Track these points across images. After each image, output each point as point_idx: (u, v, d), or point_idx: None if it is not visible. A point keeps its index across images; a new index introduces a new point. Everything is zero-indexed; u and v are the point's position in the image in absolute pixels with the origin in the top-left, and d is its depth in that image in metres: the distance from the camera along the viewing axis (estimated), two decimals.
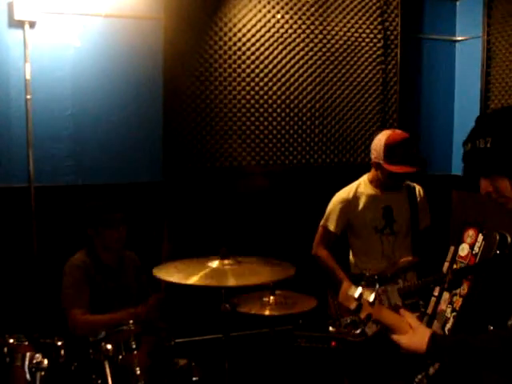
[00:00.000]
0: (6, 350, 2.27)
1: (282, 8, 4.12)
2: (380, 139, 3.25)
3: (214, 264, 2.73)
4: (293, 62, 4.18)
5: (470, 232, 3.42)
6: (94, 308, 3.02)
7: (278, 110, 4.18)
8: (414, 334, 1.75)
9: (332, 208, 3.42)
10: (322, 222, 3.45)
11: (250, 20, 4.04)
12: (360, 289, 1.76)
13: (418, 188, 3.48)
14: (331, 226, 3.40)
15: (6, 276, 3.61)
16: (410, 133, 4.56)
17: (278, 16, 4.11)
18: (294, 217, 4.22)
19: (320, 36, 4.23)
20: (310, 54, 4.23)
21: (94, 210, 3.14)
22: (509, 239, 3.09)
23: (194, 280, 2.56)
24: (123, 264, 3.22)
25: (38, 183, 3.66)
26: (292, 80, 4.20)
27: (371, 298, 1.75)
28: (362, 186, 3.41)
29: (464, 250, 3.34)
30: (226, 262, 2.76)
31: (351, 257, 3.49)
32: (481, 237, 3.31)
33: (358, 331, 1.81)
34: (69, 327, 2.96)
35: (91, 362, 2.43)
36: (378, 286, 1.71)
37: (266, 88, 4.13)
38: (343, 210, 3.38)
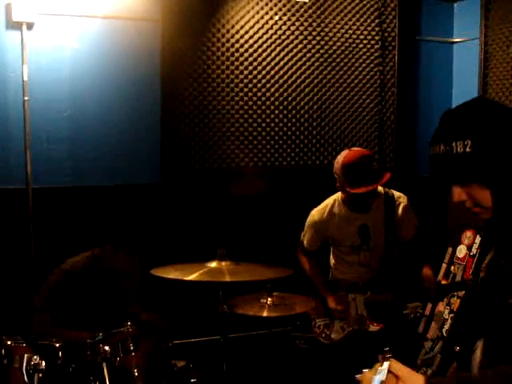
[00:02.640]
0: (3, 351, 2.28)
1: (280, 9, 4.12)
2: (338, 162, 3.19)
3: (212, 264, 2.76)
4: (291, 63, 4.19)
5: (468, 233, 3.42)
6: (91, 313, 2.98)
7: (276, 112, 4.18)
8: None
9: (307, 228, 3.43)
10: (301, 236, 3.48)
11: (248, 21, 4.04)
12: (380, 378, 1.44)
13: (398, 198, 3.36)
14: (306, 244, 3.45)
15: (4, 277, 3.61)
16: (408, 134, 4.62)
17: (276, 17, 4.11)
18: (291, 218, 4.21)
19: (318, 38, 4.24)
20: (308, 55, 4.23)
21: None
22: None
23: (191, 277, 2.59)
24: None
25: (36, 185, 3.66)
26: (290, 81, 4.20)
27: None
28: (336, 207, 3.36)
29: (462, 251, 3.35)
30: (224, 263, 2.78)
31: (331, 261, 3.52)
32: (479, 238, 3.31)
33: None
34: (31, 327, 2.85)
35: (89, 364, 2.43)
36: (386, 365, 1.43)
37: (263, 89, 4.13)
38: (317, 232, 3.39)
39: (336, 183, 3.24)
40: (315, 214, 3.40)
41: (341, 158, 3.17)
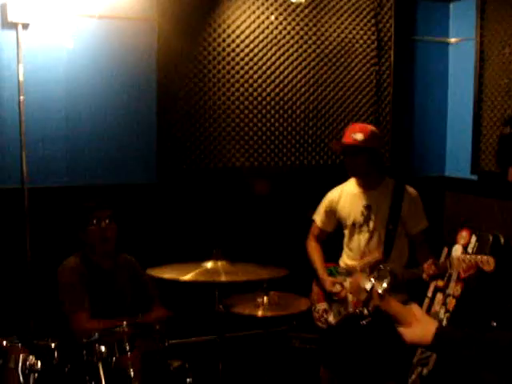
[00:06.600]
0: None
1: (276, 9, 4.12)
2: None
3: (208, 264, 2.76)
4: (287, 63, 4.19)
5: (464, 233, 3.43)
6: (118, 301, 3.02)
7: (272, 111, 4.19)
8: (419, 325, 1.68)
9: (321, 204, 3.66)
10: (313, 216, 3.70)
11: (244, 21, 4.04)
12: (372, 281, 1.76)
13: (408, 190, 3.49)
14: (318, 221, 3.66)
15: None
16: (404, 134, 4.63)
17: (272, 17, 4.11)
18: (287, 218, 4.22)
19: (314, 38, 4.24)
20: (304, 55, 4.23)
21: (82, 211, 3.13)
22: (502, 240, 3.11)
23: (187, 277, 2.59)
24: (117, 267, 3.20)
25: (32, 185, 3.65)
26: (286, 81, 4.20)
27: (381, 289, 1.75)
28: (348, 185, 3.59)
29: (457, 250, 3.36)
30: (220, 263, 2.78)
31: (343, 251, 3.64)
32: (474, 238, 3.32)
33: (365, 321, 1.84)
34: (73, 332, 2.91)
35: (85, 364, 2.42)
36: (389, 279, 1.73)
37: (259, 89, 4.13)
38: (329, 207, 3.60)
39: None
40: (329, 193, 3.64)
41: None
